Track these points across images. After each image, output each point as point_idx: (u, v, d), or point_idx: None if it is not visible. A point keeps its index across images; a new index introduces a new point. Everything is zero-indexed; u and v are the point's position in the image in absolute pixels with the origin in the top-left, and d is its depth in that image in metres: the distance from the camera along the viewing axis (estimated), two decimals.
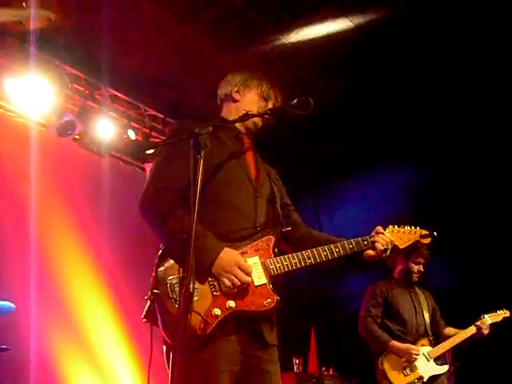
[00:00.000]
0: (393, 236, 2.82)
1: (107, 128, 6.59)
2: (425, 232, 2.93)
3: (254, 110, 2.85)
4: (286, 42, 6.00)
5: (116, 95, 6.79)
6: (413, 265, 5.03)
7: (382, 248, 2.73)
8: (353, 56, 6.02)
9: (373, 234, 2.78)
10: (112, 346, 6.49)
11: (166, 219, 2.50)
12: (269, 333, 2.59)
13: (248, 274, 2.50)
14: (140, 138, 7.07)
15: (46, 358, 5.96)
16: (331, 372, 5.90)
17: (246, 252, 2.57)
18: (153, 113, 7.16)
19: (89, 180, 6.71)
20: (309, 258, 2.62)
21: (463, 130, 6.41)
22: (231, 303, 2.47)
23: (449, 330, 5.04)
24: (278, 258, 2.60)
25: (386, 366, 4.69)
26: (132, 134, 6.80)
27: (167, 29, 5.91)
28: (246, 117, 2.77)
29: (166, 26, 5.86)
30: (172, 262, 2.51)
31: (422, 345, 4.83)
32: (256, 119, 2.85)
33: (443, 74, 6.12)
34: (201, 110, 7.27)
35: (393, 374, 4.66)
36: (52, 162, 6.33)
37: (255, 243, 2.60)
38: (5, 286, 5.46)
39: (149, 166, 7.13)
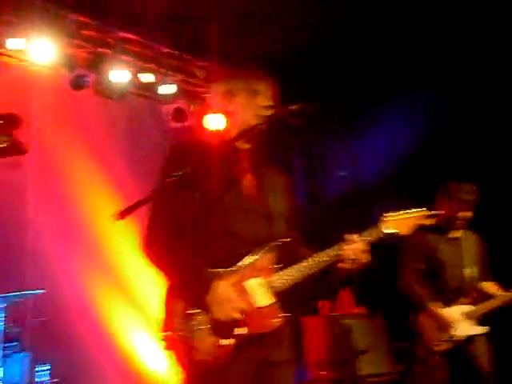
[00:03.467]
0: (393, 224, 2.72)
1: (121, 73, 6.41)
2: (427, 213, 2.81)
3: (249, 114, 2.69)
4: None
5: (128, 37, 6.55)
6: (456, 210, 4.57)
7: (351, 259, 2.59)
8: None
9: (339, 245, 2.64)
10: (147, 283, 6.70)
11: (167, 261, 2.49)
12: (276, 349, 2.57)
13: (235, 310, 2.45)
14: (157, 79, 6.87)
15: (85, 300, 6.22)
16: (357, 310, 5.99)
17: (248, 274, 2.54)
18: (167, 50, 6.92)
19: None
20: (310, 269, 2.58)
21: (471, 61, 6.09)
22: (240, 330, 2.45)
23: (488, 286, 4.71)
24: (280, 273, 2.57)
25: (421, 324, 4.52)
26: (147, 78, 6.61)
27: None
28: (238, 138, 2.65)
29: None
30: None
31: (463, 303, 4.55)
32: (257, 126, 2.69)
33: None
34: (216, 46, 7.10)
35: (427, 332, 4.48)
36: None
37: (257, 263, 2.56)
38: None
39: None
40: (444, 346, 4.41)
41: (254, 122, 2.66)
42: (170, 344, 2.45)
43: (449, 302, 4.51)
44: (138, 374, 6.22)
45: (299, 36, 6.97)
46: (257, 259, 2.56)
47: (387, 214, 2.75)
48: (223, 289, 2.44)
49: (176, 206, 2.47)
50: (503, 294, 4.61)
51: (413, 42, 6.54)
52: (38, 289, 4.88)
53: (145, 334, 6.44)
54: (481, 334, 4.50)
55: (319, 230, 7.03)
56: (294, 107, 2.63)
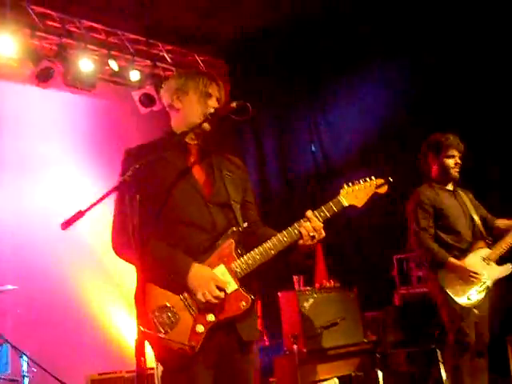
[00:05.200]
0: (348, 197, 2.80)
1: (88, 62, 6.47)
2: (380, 181, 2.86)
3: (198, 113, 2.81)
4: None
5: (91, 26, 6.60)
6: (446, 159, 4.63)
7: (308, 236, 2.70)
8: None
9: (299, 222, 2.74)
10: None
11: (136, 252, 2.53)
12: (246, 329, 2.71)
13: (221, 289, 2.60)
14: (124, 65, 6.93)
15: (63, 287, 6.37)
16: (332, 284, 6.14)
17: (211, 263, 2.66)
18: (133, 36, 6.96)
19: None
20: (270, 249, 2.69)
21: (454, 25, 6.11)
22: (210, 317, 2.60)
23: (501, 222, 4.67)
24: (241, 259, 2.69)
25: (444, 281, 4.42)
26: (114, 65, 6.68)
27: None
28: (186, 133, 2.76)
29: None
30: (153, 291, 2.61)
31: (479, 248, 4.51)
32: (204, 124, 2.80)
33: None
34: (183, 29, 7.15)
35: (452, 287, 4.40)
36: None
37: (217, 251, 2.68)
38: None
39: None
40: (478, 298, 4.36)
41: (199, 120, 2.77)
42: (146, 339, 2.52)
43: (465, 251, 4.50)
44: (119, 354, 6.37)
45: (266, 14, 7.03)
46: (217, 247, 2.68)
47: (343, 187, 2.82)
48: (201, 269, 2.60)
49: (129, 206, 2.55)
50: None
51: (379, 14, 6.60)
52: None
53: (124, 313, 6.57)
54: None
55: (292, 206, 7.21)
56: (233, 105, 2.73)
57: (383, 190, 2.86)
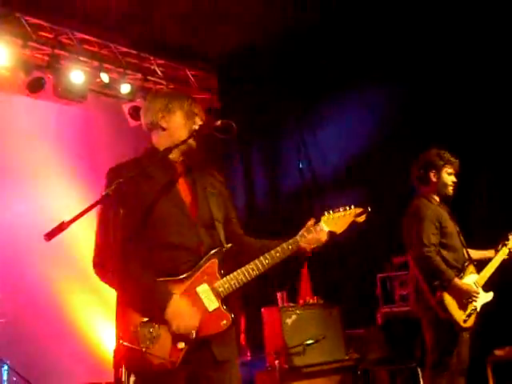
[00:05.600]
0: (329, 224, 2.92)
1: (79, 74, 6.51)
2: (359, 210, 2.97)
3: (184, 132, 2.85)
4: None
5: (84, 38, 6.65)
6: (446, 176, 4.54)
7: (310, 250, 2.89)
8: None
9: (305, 230, 2.90)
10: None
11: (117, 279, 2.63)
12: (221, 348, 2.74)
13: (194, 323, 2.64)
14: (115, 77, 6.98)
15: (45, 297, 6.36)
16: (316, 300, 6.17)
17: (195, 281, 2.71)
18: (125, 50, 7.02)
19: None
20: (253, 270, 2.77)
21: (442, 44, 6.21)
22: (192, 333, 2.63)
23: (474, 253, 4.60)
24: (224, 278, 2.74)
25: (447, 301, 4.30)
26: (105, 77, 6.73)
27: None
28: (171, 149, 2.78)
29: None
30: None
31: (471, 272, 4.46)
32: (189, 141, 2.84)
33: None
34: (174, 43, 7.22)
35: (454, 308, 4.30)
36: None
37: (201, 271, 2.72)
38: None
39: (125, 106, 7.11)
40: (470, 322, 4.35)
41: (184, 138, 2.81)
42: (124, 353, 2.57)
43: (459, 273, 4.41)
44: (100, 365, 6.35)
45: (257, 31, 7.11)
46: (201, 266, 2.72)
47: (324, 214, 2.94)
48: (179, 303, 2.62)
49: (113, 222, 2.59)
50: (498, 252, 4.56)
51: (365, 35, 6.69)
52: None
53: (107, 324, 6.56)
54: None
55: (280, 222, 7.25)
56: (218, 123, 2.78)
57: (362, 218, 2.98)
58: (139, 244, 2.67)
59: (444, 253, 4.43)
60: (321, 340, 5.60)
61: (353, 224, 2.97)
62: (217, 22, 6.87)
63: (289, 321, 5.71)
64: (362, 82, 6.80)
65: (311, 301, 6.17)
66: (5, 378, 4.93)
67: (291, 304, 6.04)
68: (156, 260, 2.68)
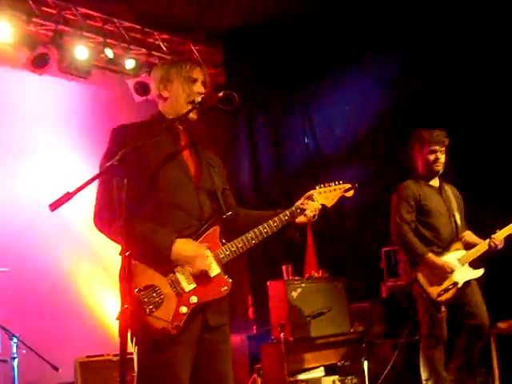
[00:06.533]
0: (320, 197, 3.04)
1: (83, 49, 6.50)
2: (347, 186, 3.11)
3: (184, 99, 2.87)
4: None
5: (88, 13, 6.62)
6: (428, 155, 4.77)
7: (312, 215, 2.98)
8: None
9: (302, 199, 3.00)
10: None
11: (119, 228, 2.57)
12: (216, 315, 2.80)
13: (205, 263, 2.70)
14: (120, 53, 6.97)
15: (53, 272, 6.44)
16: (321, 274, 6.22)
17: None
18: (129, 25, 6.99)
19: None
20: (252, 239, 2.83)
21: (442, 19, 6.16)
22: (193, 298, 2.69)
23: (468, 235, 4.79)
24: (225, 246, 2.80)
25: (421, 276, 4.60)
26: (109, 53, 6.71)
27: None
28: (174, 121, 2.84)
29: None
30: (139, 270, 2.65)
31: (456, 249, 4.70)
32: (191, 114, 2.86)
33: None
34: (177, 17, 7.18)
35: (427, 284, 4.59)
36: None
37: (203, 237, 2.77)
38: None
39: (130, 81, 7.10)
40: (447, 296, 4.55)
41: (187, 107, 2.85)
42: (127, 317, 2.53)
43: (443, 250, 4.69)
44: (107, 337, 6.43)
45: (264, 6, 7.06)
46: (203, 232, 2.78)
47: (315, 189, 3.06)
48: (187, 244, 2.69)
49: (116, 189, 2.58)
50: (490, 238, 4.70)
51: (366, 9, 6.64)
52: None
53: (112, 297, 6.62)
54: (476, 283, 4.69)
55: (285, 198, 7.26)
56: (220, 94, 2.81)
57: (350, 194, 3.14)
58: (143, 206, 2.72)
59: (422, 230, 4.73)
60: (326, 313, 5.66)
61: (342, 198, 3.12)
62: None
63: (294, 294, 5.76)
64: (366, 56, 6.78)
65: (316, 274, 6.23)
66: (14, 350, 5.00)
67: (296, 277, 6.09)
68: (159, 221, 2.72)
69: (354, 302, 6.20)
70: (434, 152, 4.77)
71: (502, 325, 5.38)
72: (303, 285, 5.89)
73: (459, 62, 6.13)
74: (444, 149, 4.80)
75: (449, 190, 4.91)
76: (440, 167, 4.81)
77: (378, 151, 6.88)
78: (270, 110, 7.86)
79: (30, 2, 6.16)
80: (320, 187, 3.06)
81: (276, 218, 2.89)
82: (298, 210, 2.95)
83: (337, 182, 3.11)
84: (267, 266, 7.10)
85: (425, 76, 6.38)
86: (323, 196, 3.05)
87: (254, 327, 7.19)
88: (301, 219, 2.96)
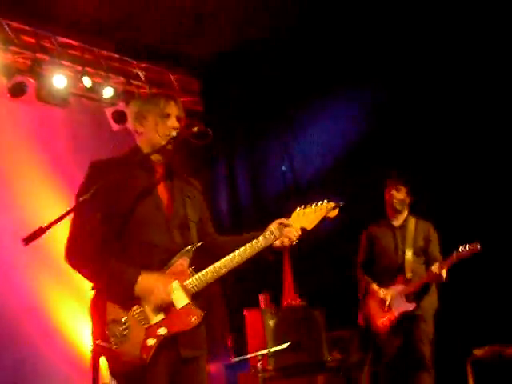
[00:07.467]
0: (299, 220, 2.90)
1: (61, 78, 6.50)
2: (331, 205, 2.93)
3: (159, 134, 2.90)
4: None
5: (66, 42, 6.65)
6: (386, 194, 5.30)
7: (289, 242, 2.88)
8: None
9: (275, 224, 2.88)
10: None
11: (88, 265, 2.71)
12: (188, 347, 2.79)
13: (168, 294, 2.70)
14: (98, 81, 6.99)
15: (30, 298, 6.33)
16: (299, 302, 6.23)
17: (166, 278, 2.75)
18: (108, 54, 7.03)
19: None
20: (221, 268, 2.81)
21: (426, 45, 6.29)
22: (162, 330, 2.69)
23: (435, 268, 4.96)
24: (194, 276, 2.79)
25: (368, 307, 5.30)
26: (87, 81, 6.72)
27: None
28: (151, 154, 2.87)
29: None
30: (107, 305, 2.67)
31: (400, 283, 5.13)
32: (167, 147, 2.88)
33: None
34: (155, 47, 7.24)
35: (373, 313, 5.24)
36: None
37: (171, 268, 2.78)
38: None
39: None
40: (385, 323, 5.09)
41: (162, 142, 2.88)
42: (100, 352, 2.63)
43: (388, 284, 5.16)
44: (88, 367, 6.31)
45: (240, 36, 7.15)
46: (172, 264, 2.78)
47: (295, 210, 2.93)
48: (149, 278, 2.69)
49: (90, 222, 2.69)
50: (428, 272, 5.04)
51: (347, 38, 6.76)
52: None
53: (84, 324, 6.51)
54: (423, 317, 5.04)
55: (264, 226, 7.27)
56: (195, 129, 2.86)
57: (334, 213, 2.95)
58: (116, 241, 2.74)
59: (372, 266, 5.38)
60: (303, 342, 5.66)
61: (325, 219, 2.93)
62: (199, 27, 6.91)
63: (271, 322, 5.76)
64: (344, 86, 6.88)
65: (294, 303, 6.24)
66: None
67: (273, 306, 6.10)
68: (130, 257, 2.73)
69: (336, 330, 6.19)
70: (389, 191, 5.21)
71: (477, 352, 5.43)
72: (280, 314, 5.90)
73: (427, 95, 6.29)
74: (402, 187, 5.17)
75: (411, 226, 5.22)
76: (397, 205, 5.20)
77: (355, 180, 6.94)
78: (247, 137, 7.91)
79: (8, 31, 6.18)
80: (300, 209, 2.92)
81: (248, 246, 2.82)
82: (273, 235, 2.83)
83: (320, 202, 2.93)
84: (244, 294, 7.08)
85: (396, 109, 6.53)
86: (303, 218, 2.89)
87: (232, 356, 7.13)
88: (277, 244, 2.86)
